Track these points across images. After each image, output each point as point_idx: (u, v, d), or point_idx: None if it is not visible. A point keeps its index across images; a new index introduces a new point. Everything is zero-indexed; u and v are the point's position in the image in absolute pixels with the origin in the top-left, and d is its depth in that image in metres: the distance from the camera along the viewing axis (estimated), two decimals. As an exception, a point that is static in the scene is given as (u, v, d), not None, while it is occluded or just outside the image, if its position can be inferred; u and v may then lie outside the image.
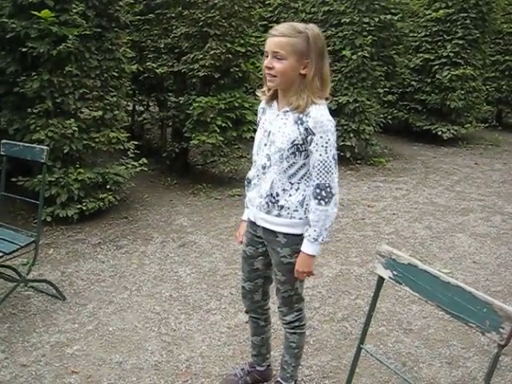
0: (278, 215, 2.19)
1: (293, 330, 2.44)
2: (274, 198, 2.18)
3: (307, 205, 2.16)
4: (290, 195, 2.16)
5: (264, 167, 2.20)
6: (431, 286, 1.57)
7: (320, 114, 2.04)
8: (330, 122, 2.05)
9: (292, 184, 2.16)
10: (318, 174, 2.08)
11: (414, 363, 2.96)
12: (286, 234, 2.21)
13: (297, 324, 2.42)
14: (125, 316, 3.37)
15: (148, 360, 2.92)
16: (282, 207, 2.17)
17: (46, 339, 3.07)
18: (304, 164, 2.13)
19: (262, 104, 2.31)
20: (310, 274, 2.23)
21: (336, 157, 2.10)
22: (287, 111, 2.11)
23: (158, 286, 3.79)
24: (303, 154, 2.10)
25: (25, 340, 3.05)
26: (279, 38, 2.02)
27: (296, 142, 2.08)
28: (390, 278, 1.70)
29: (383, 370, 2.85)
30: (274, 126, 2.15)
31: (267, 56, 2.07)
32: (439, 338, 3.22)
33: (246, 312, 2.62)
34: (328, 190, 2.08)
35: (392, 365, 2.90)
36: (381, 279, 1.75)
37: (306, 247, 2.15)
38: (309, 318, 3.38)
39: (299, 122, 2.06)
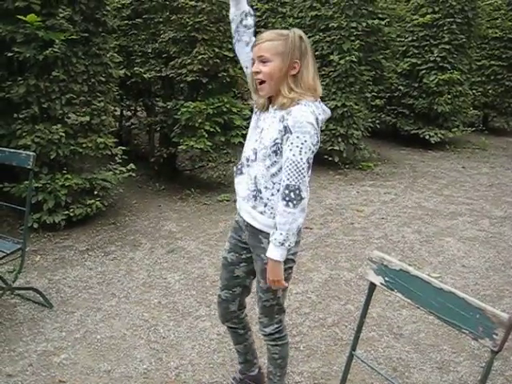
0: (262, 212, 2.15)
1: (274, 342, 2.39)
2: (259, 191, 2.15)
3: None
4: (273, 194, 2.13)
5: (248, 159, 2.19)
6: (423, 292, 1.56)
7: (301, 115, 2.00)
8: (309, 125, 2.00)
9: (274, 183, 2.12)
10: (288, 174, 2.01)
11: (405, 368, 2.95)
12: (268, 238, 2.17)
13: (277, 336, 2.38)
14: (113, 323, 3.33)
15: (137, 368, 2.88)
16: (265, 204, 2.14)
17: (32, 348, 3.02)
18: None
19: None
20: (280, 283, 2.13)
21: (311, 161, 2.05)
22: (276, 108, 2.11)
23: (147, 292, 3.75)
24: (283, 153, 2.08)
25: (11, 349, 3.00)
26: (263, 43, 2.07)
27: (277, 141, 2.06)
28: (381, 284, 1.69)
29: (374, 375, 2.84)
30: (266, 123, 2.15)
31: (253, 63, 2.11)
32: (430, 343, 3.22)
33: (223, 323, 2.56)
34: (297, 192, 2.01)
35: (383, 370, 2.89)
36: (372, 285, 1.74)
37: (272, 251, 2.06)
38: (299, 324, 3.37)
39: (282, 119, 2.05)
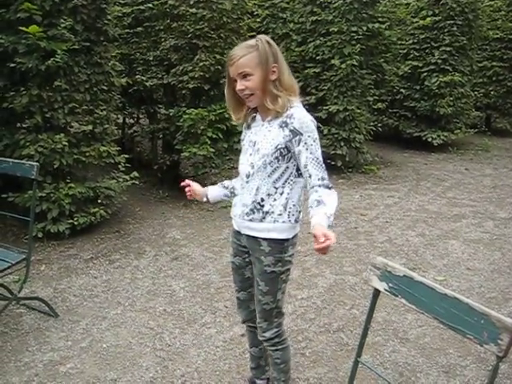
0: (262, 220, 2.19)
1: (274, 347, 2.41)
2: (259, 204, 2.18)
3: (290, 208, 2.17)
4: (275, 199, 2.17)
5: (248, 175, 2.22)
6: (428, 297, 1.55)
7: (303, 115, 2.10)
8: (312, 122, 2.12)
9: (276, 188, 2.17)
10: (317, 170, 2.08)
11: (411, 373, 2.95)
12: (269, 241, 2.20)
13: (277, 340, 2.39)
14: (119, 332, 3.34)
15: (143, 376, 2.88)
16: (266, 213, 2.18)
17: (38, 358, 3.03)
18: (287, 167, 2.15)
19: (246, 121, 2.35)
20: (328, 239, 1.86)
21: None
22: (270, 120, 2.16)
23: (152, 300, 3.76)
24: (286, 157, 2.13)
25: (17, 359, 3.00)
26: (238, 60, 2.09)
27: (279, 147, 2.11)
28: (385, 290, 1.69)
29: (381, 381, 2.83)
30: (259, 136, 2.19)
31: (235, 81, 2.13)
32: (436, 347, 3.21)
33: (243, 322, 2.59)
34: (328, 181, 2.10)
35: (389, 375, 2.88)
36: (376, 291, 1.74)
37: (323, 221, 1.92)
38: (304, 330, 3.37)
39: (283, 125, 2.11)
